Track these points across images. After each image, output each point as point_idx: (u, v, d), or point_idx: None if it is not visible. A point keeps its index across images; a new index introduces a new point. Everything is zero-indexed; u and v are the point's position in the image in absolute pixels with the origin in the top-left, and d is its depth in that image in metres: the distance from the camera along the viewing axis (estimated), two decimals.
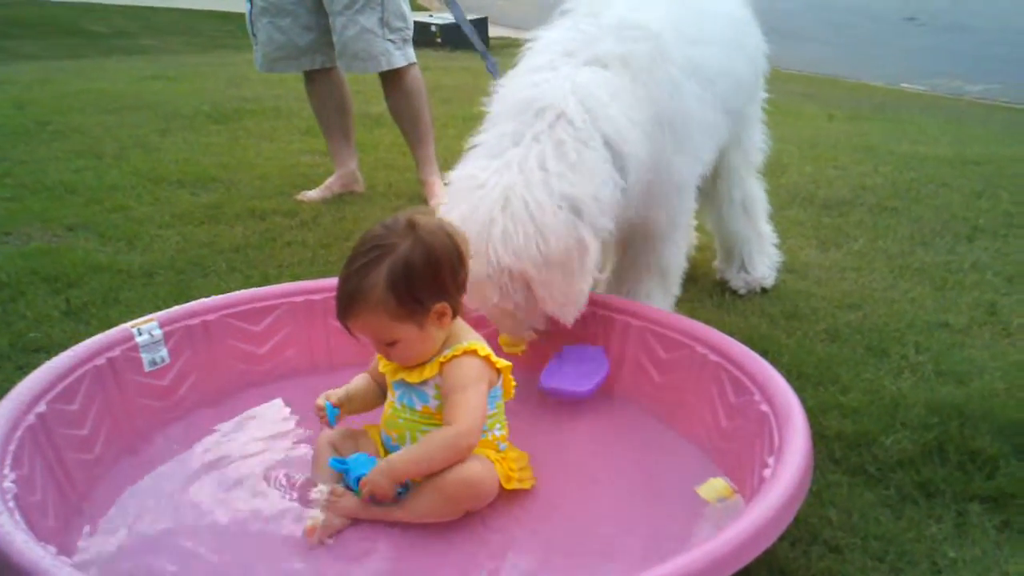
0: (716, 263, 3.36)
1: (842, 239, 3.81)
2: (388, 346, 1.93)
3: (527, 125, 2.23)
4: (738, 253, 3.25)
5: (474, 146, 2.32)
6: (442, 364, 1.94)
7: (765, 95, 3.16)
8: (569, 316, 2.26)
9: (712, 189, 3.10)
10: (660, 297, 2.72)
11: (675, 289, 2.77)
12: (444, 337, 1.96)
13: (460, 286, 1.97)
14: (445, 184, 2.32)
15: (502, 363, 2.00)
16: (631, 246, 2.72)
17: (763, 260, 3.26)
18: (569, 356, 2.47)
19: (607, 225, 2.25)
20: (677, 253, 2.72)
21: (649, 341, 2.45)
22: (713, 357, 2.28)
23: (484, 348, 1.98)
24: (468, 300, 2.17)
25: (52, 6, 16.64)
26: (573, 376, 2.40)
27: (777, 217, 4.04)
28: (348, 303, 1.90)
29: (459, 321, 2.02)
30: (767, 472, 1.80)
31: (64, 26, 14.31)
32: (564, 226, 2.14)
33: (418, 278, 1.87)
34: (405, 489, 1.95)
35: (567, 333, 2.53)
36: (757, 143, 3.17)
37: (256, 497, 2.05)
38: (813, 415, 2.02)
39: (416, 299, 1.88)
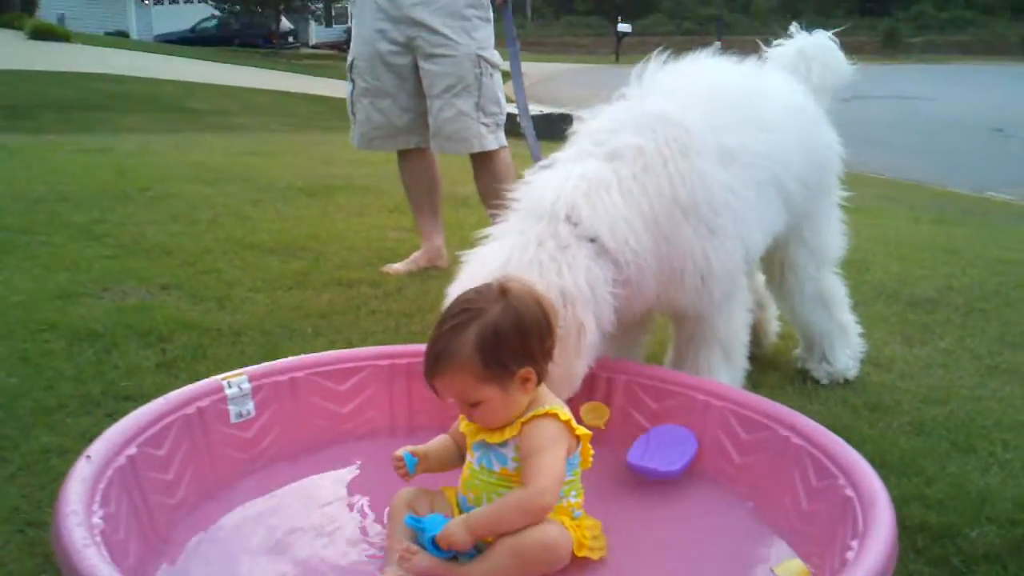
0: (798, 351, 3.34)
1: (928, 336, 3.75)
2: (471, 407, 1.95)
3: (531, 220, 2.35)
4: (818, 344, 3.22)
5: (486, 236, 2.44)
6: (523, 424, 1.95)
7: (842, 194, 3.17)
8: (563, 393, 2.24)
9: (781, 283, 3.11)
10: (724, 371, 2.72)
11: (740, 362, 2.77)
12: (528, 402, 1.98)
13: (547, 353, 1.99)
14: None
15: (582, 431, 2.01)
16: (683, 323, 2.73)
17: (845, 352, 3.22)
18: (657, 436, 2.45)
19: (605, 313, 2.31)
20: (733, 327, 2.72)
21: (730, 422, 2.43)
22: (796, 440, 2.25)
23: (565, 413, 1.99)
24: None
25: (159, 83, 17.41)
26: (660, 456, 2.37)
27: (862, 312, 4.00)
28: (435, 362, 1.93)
29: (543, 387, 2.03)
30: (850, 554, 1.77)
31: (167, 103, 14.96)
32: (559, 307, 2.18)
33: (505, 343, 1.90)
34: (476, 551, 1.95)
35: (649, 412, 2.54)
36: (830, 240, 3.13)
37: (330, 551, 2.06)
38: (896, 505, 1.98)
39: (502, 363, 1.90)
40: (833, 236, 3.15)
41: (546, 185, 2.42)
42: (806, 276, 3.09)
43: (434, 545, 1.94)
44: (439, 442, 2.17)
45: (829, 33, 3.21)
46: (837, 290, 3.22)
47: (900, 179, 10.00)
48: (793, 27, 3.25)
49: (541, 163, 2.55)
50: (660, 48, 2.73)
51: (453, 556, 1.94)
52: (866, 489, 1.96)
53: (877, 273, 4.73)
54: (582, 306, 2.25)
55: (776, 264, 3.08)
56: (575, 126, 2.61)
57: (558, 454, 1.94)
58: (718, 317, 2.67)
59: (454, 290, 2.28)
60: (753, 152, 2.57)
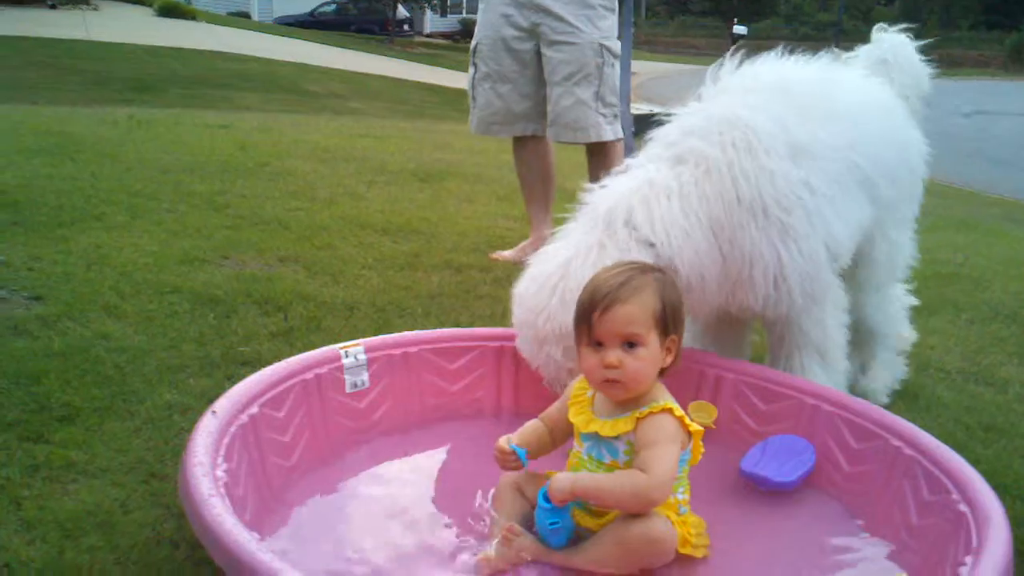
0: None
1: None
2: (628, 349, 1.95)
3: (592, 224, 2.44)
4: (860, 357, 3.08)
5: (555, 235, 2.54)
6: (639, 419, 1.96)
7: (918, 210, 3.03)
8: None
9: (856, 279, 2.94)
10: (821, 374, 2.68)
11: (838, 365, 2.72)
12: (656, 376, 2.00)
13: (682, 338, 2.04)
14: None
15: (695, 427, 2.01)
16: (772, 326, 2.71)
17: (883, 374, 3.09)
18: (774, 445, 2.43)
19: None
20: (825, 329, 2.67)
21: (840, 428, 2.41)
22: (908, 451, 2.22)
23: (679, 410, 1.99)
24: (531, 353, 2.44)
25: (277, 64, 17.85)
26: (775, 466, 2.35)
27: (978, 329, 3.93)
28: (614, 293, 1.95)
29: (659, 383, 2.04)
30: (963, 570, 1.74)
31: (284, 84, 15.32)
32: None
33: (674, 302, 2.00)
34: (570, 533, 1.97)
35: (757, 413, 2.53)
36: (909, 248, 3.03)
37: (432, 525, 2.11)
38: (1011, 526, 1.94)
39: (672, 316, 1.98)
40: (910, 244, 3.03)
41: (611, 190, 2.50)
42: (881, 275, 2.97)
43: (547, 531, 1.96)
44: (533, 430, 2.17)
45: (906, 36, 3.09)
46: (900, 299, 3.14)
47: (1021, 199, 9.67)
48: (877, 29, 3.14)
49: (616, 168, 2.62)
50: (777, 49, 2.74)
51: (556, 546, 1.96)
52: (982, 505, 1.93)
53: (996, 292, 4.59)
54: None
55: (855, 256, 2.87)
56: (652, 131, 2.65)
57: (673, 450, 1.95)
58: (807, 320, 2.64)
59: (521, 288, 2.45)
60: (829, 144, 2.53)
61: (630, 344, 1.95)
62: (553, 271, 2.39)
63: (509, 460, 2.09)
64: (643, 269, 2.02)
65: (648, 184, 2.44)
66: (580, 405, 2.08)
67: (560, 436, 2.16)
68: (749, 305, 2.56)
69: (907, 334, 3.22)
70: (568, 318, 2.21)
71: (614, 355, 1.95)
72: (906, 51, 3.06)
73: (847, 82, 2.82)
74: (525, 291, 2.45)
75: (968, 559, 1.78)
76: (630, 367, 1.95)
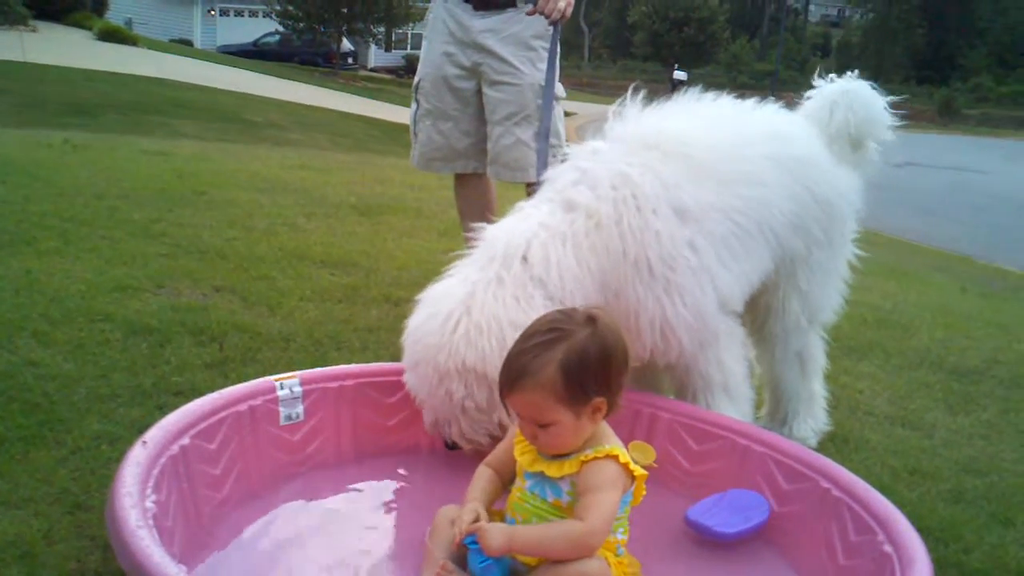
0: (762, 413, 3.18)
1: (971, 406, 3.73)
2: (540, 428, 1.95)
3: (489, 260, 2.46)
4: (783, 406, 3.13)
5: (450, 272, 2.55)
6: (583, 463, 1.96)
7: (853, 252, 3.06)
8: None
9: (763, 328, 3.01)
10: (729, 408, 2.71)
11: (744, 396, 2.76)
12: (590, 433, 2.00)
13: (621, 387, 2.00)
14: None
15: (639, 471, 2.02)
16: (672, 371, 2.74)
17: (808, 422, 3.12)
18: (728, 498, 2.41)
19: None
20: (723, 366, 2.70)
21: (771, 469, 2.44)
22: (836, 492, 2.26)
23: (625, 455, 2.00)
24: (427, 390, 2.39)
25: (219, 92, 17.71)
26: (721, 517, 2.33)
27: (905, 376, 4.03)
28: (517, 377, 1.93)
29: (604, 424, 2.05)
30: None
31: (224, 112, 15.20)
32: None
33: (589, 369, 1.92)
34: (505, 571, 1.96)
35: (690, 453, 2.56)
36: (827, 296, 3.02)
37: (367, 562, 2.09)
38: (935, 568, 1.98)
39: (582, 388, 1.92)
40: (831, 294, 3.04)
41: (506, 228, 2.53)
42: (793, 325, 2.98)
43: (478, 569, 1.96)
44: (485, 481, 2.15)
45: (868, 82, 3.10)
46: (818, 354, 3.13)
47: (949, 250, 9.94)
48: (828, 76, 3.15)
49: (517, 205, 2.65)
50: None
51: None
52: (906, 547, 1.97)
53: (923, 339, 4.71)
54: None
55: (762, 307, 2.97)
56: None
57: (614, 497, 1.95)
58: (704, 362, 2.67)
59: (417, 323, 2.43)
60: (718, 207, 2.58)
61: (542, 424, 1.95)
62: (454, 307, 2.37)
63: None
64: (556, 338, 1.93)
65: (542, 227, 2.48)
66: (525, 444, 2.07)
67: (509, 477, 2.14)
68: (641, 354, 2.58)
69: (820, 391, 3.18)
70: (471, 354, 2.27)
71: (527, 431, 1.99)
72: (864, 96, 3.06)
73: (757, 141, 2.78)
74: (423, 326, 2.42)
75: None
76: (544, 441, 1.97)
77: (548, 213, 2.52)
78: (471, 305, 2.36)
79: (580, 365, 1.91)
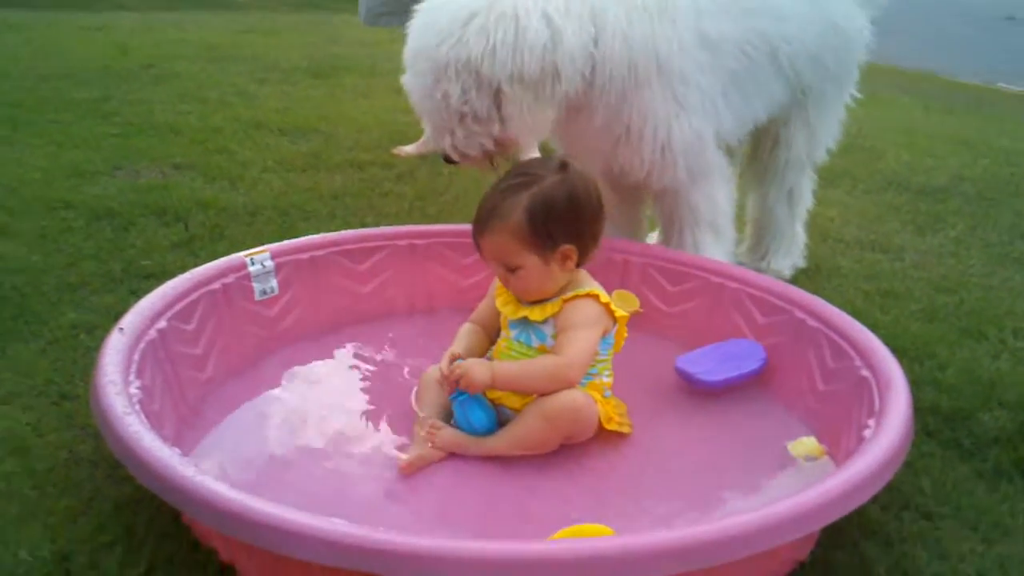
0: (741, 249, 3.18)
1: (939, 225, 3.77)
2: (509, 272, 1.98)
3: None
4: (764, 244, 3.14)
5: None
6: (564, 301, 1.99)
7: (853, 91, 3.03)
8: (528, 146, 2.31)
9: (767, 161, 3.00)
10: (713, 246, 2.73)
11: (729, 235, 2.77)
12: (565, 280, 2.01)
13: (593, 237, 2.01)
14: None
15: (620, 312, 2.05)
16: (662, 201, 2.74)
17: (786, 260, 3.14)
18: (726, 348, 2.41)
19: (576, 67, 2.28)
20: (714, 202, 2.70)
21: (746, 304, 2.47)
22: (812, 322, 2.30)
23: (605, 296, 2.03)
24: (423, 90, 2.30)
25: None
26: (708, 366, 2.33)
27: (873, 200, 4.05)
28: (486, 220, 1.97)
29: (584, 272, 2.06)
30: (867, 433, 1.82)
31: None
32: (542, 48, 2.19)
33: (556, 214, 1.94)
34: (494, 424, 2.00)
35: (665, 295, 2.57)
36: (828, 134, 3.02)
37: (352, 428, 2.11)
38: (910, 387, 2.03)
39: (548, 233, 1.94)
40: (832, 130, 3.04)
41: None
42: (795, 159, 2.98)
43: (465, 421, 1.99)
44: (471, 334, 2.16)
45: None
46: (807, 194, 3.12)
47: (909, 68, 9.85)
48: None
49: None
50: None
51: (481, 433, 1.99)
52: (883, 370, 2.01)
53: (889, 162, 4.72)
54: (565, 53, 2.23)
55: (771, 137, 2.96)
56: None
57: (593, 334, 1.99)
58: (697, 194, 2.67)
59: (423, 18, 2.29)
60: (737, 40, 2.53)
61: (510, 267, 1.97)
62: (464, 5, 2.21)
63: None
64: (525, 183, 1.95)
65: None
66: (508, 295, 2.09)
67: (493, 334, 2.17)
68: (633, 167, 2.56)
69: (802, 235, 3.19)
70: (478, 50, 2.18)
71: (501, 275, 2.01)
72: None
73: None
74: (429, 19, 2.26)
75: (871, 422, 1.86)
76: (514, 285, 2.01)
77: None
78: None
79: (546, 210, 1.93)
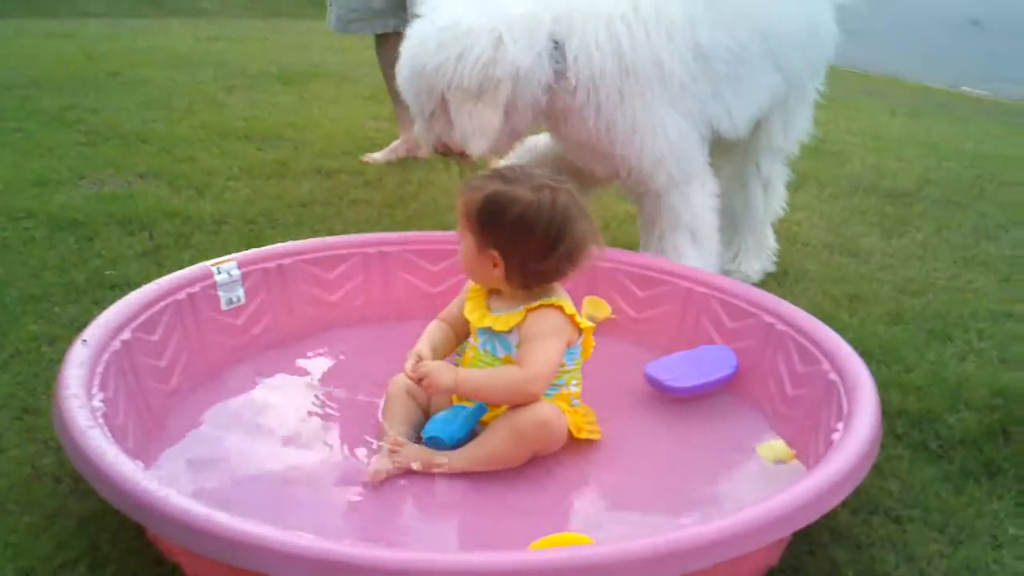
0: None
1: (905, 228, 3.80)
2: (461, 238, 2.03)
3: None
4: (738, 244, 3.14)
5: None
6: (528, 311, 1.98)
7: (819, 85, 3.07)
8: (475, 147, 2.47)
9: (745, 144, 2.99)
10: (692, 254, 2.75)
11: (710, 246, 2.79)
12: (498, 277, 2.00)
13: (530, 260, 1.97)
14: None
15: (585, 323, 2.04)
16: (643, 204, 2.79)
17: (754, 264, 3.15)
18: (697, 354, 2.41)
19: (528, 99, 2.47)
20: (694, 209, 2.74)
21: (715, 309, 2.47)
22: (780, 327, 2.30)
23: (570, 307, 2.02)
24: (404, 92, 2.55)
25: None
26: (680, 372, 2.33)
27: (840, 203, 4.08)
28: (465, 185, 2.04)
29: (556, 285, 2.05)
30: (835, 436, 1.83)
31: None
32: (484, 63, 2.38)
33: (500, 221, 1.94)
34: (463, 436, 1.99)
35: (635, 300, 2.57)
36: (803, 123, 3.07)
37: (321, 437, 2.10)
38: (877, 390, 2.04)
39: (485, 230, 1.96)
40: (806, 120, 3.08)
41: None
42: (773, 145, 3.01)
43: (431, 439, 1.98)
44: (439, 330, 2.16)
45: None
46: (780, 186, 3.15)
47: (875, 72, 9.94)
48: None
49: None
50: None
51: (447, 448, 1.97)
52: (850, 373, 2.02)
53: (855, 166, 4.75)
54: (508, 66, 2.40)
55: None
56: None
57: (555, 345, 1.98)
58: (677, 198, 2.70)
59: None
60: (729, 45, 2.60)
61: (460, 233, 2.03)
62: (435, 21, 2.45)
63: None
64: (505, 179, 1.99)
65: None
66: (475, 301, 2.09)
67: (462, 333, 2.16)
68: (646, 170, 2.62)
69: (771, 238, 3.21)
70: (433, 62, 2.40)
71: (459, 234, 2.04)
72: None
73: None
74: (421, 32, 2.47)
75: (840, 425, 1.87)
76: (459, 250, 2.05)
77: None
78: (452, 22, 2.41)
79: (494, 211, 1.95)
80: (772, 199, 3.14)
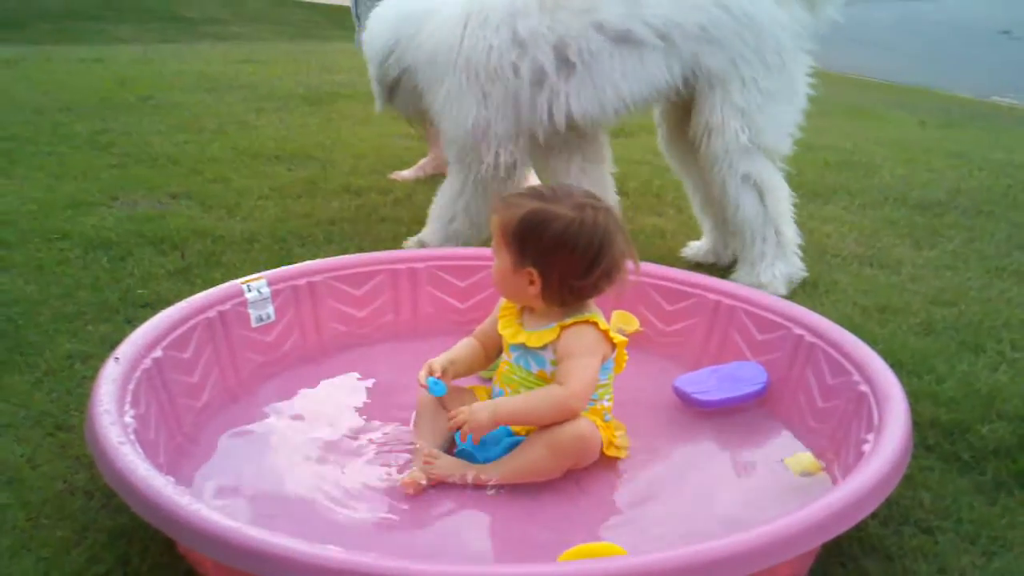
0: (701, 244, 3.42)
1: (936, 239, 3.76)
2: (495, 255, 2.04)
3: None
4: (750, 250, 3.07)
5: None
6: (563, 328, 1.99)
7: (806, 84, 3.03)
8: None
9: (708, 152, 2.99)
10: (426, 231, 3.33)
11: (435, 224, 3.30)
12: (534, 295, 1.99)
13: (568, 277, 1.97)
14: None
15: (618, 338, 2.05)
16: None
17: (777, 266, 3.06)
18: (728, 369, 2.39)
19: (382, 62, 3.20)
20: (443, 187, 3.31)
21: (743, 321, 2.46)
22: (809, 338, 2.29)
23: (604, 323, 2.03)
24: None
25: None
26: (707, 385, 2.33)
27: (869, 214, 4.05)
28: (501, 202, 2.04)
29: (589, 302, 2.05)
30: (866, 447, 1.81)
31: (157, 12, 14.65)
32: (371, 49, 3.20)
33: (540, 238, 1.94)
34: (498, 450, 2.00)
35: (663, 313, 2.57)
36: (771, 120, 2.97)
37: (352, 452, 2.10)
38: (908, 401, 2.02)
39: (523, 248, 1.96)
40: (777, 117, 2.99)
41: None
42: (734, 145, 2.95)
43: (463, 451, 1.99)
44: (466, 346, 2.18)
45: None
46: (776, 184, 3.05)
47: (904, 84, 9.88)
48: None
49: None
50: None
51: (496, 455, 1.99)
52: (881, 385, 2.01)
53: (884, 177, 4.72)
54: (373, 53, 3.21)
55: (701, 128, 2.99)
56: None
57: (593, 362, 1.98)
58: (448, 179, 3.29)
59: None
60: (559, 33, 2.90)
61: (494, 252, 2.04)
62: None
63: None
64: (544, 197, 1.99)
65: None
66: (508, 318, 2.10)
67: (494, 351, 2.17)
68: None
69: (790, 235, 3.12)
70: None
71: (493, 251, 2.05)
72: None
73: None
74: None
75: (870, 436, 1.86)
76: (493, 275, 2.06)
77: None
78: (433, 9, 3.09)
79: (535, 229, 1.95)
80: (769, 197, 3.04)
